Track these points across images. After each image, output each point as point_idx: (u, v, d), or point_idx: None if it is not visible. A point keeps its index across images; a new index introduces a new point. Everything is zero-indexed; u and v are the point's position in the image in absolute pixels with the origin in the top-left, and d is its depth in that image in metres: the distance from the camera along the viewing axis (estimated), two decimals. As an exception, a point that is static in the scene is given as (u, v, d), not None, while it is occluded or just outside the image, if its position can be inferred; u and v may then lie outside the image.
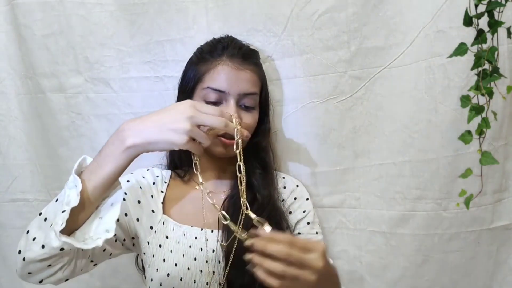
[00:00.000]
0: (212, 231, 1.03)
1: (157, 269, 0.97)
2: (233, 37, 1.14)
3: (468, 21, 0.71)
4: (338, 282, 0.86)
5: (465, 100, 0.76)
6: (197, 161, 0.91)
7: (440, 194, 1.19)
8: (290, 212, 1.11)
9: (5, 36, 1.29)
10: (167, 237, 1.00)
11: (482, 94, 0.73)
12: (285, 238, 0.74)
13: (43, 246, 0.81)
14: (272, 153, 1.18)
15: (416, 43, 1.15)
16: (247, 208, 0.87)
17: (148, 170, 1.12)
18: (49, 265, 0.84)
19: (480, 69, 0.72)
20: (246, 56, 1.09)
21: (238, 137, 0.92)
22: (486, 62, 0.71)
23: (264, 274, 0.73)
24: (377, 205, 1.23)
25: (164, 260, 0.98)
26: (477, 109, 0.74)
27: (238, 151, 0.91)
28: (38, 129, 1.33)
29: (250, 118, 1.07)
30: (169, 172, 1.15)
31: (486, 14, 0.69)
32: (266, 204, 1.04)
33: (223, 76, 1.03)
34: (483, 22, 0.70)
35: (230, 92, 1.03)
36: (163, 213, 1.03)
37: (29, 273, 0.86)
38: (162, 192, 1.08)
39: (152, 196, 1.05)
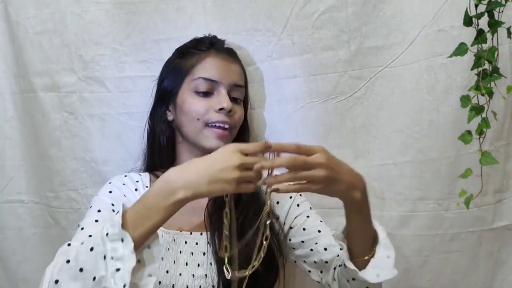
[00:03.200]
0: (201, 233, 1.02)
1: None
2: (216, 36, 1.15)
3: (468, 21, 0.71)
4: (363, 181, 0.89)
5: (465, 100, 0.76)
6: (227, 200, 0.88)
7: (442, 194, 1.18)
8: (278, 202, 1.09)
9: None
10: None
11: (482, 94, 0.72)
12: (291, 145, 0.79)
13: None
14: None
15: (416, 42, 1.14)
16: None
17: (126, 176, 1.10)
18: None
19: (480, 69, 0.72)
20: (231, 51, 1.14)
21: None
22: (486, 62, 0.71)
23: (283, 187, 0.79)
24: (378, 206, 1.21)
25: None
26: (477, 109, 0.74)
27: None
28: (30, 129, 1.32)
29: (240, 110, 1.09)
30: (147, 175, 1.12)
31: (486, 14, 0.69)
32: (251, 201, 1.03)
33: (215, 66, 1.06)
34: (483, 22, 0.69)
35: (222, 82, 1.06)
36: None
37: None
38: None
39: None
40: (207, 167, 0.78)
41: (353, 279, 0.92)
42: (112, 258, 0.75)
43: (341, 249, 0.94)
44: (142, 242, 0.79)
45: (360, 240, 0.90)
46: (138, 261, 0.79)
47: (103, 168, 1.29)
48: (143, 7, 1.21)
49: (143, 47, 1.23)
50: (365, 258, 0.89)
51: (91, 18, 1.22)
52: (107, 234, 0.76)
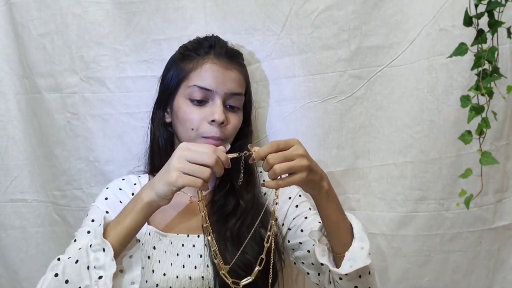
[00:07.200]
0: (198, 236, 1.02)
1: (146, 281, 0.96)
2: (219, 37, 1.12)
3: (468, 21, 0.71)
4: (325, 176, 0.91)
5: (465, 100, 0.75)
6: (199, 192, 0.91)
7: (443, 194, 1.18)
8: (277, 203, 1.09)
9: (3, 36, 1.29)
10: (154, 248, 0.99)
11: (482, 94, 0.72)
12: (269, 146, 0.83)
13: None
14: None
15: (417, 41, 1.14)
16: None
17: (123, 179, 1.12)
18: None
19: (480, 69, 0.71)
20: (233, 56, 1.09)
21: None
22: (486, 62, 0.70)
23: (270, 183, 0.84)
24: (378, 207, 1.22)
25: (153, 271, 0.96)
26: (477, 109, 0.74)
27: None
28: (36, 129, 1.33)
29: (235, 119, 1.07)
30: (146, 177, 1.13)
31: (486, 14, 0.68)
32: (250, 208, 1.04)
33: (210, 74, 1.03)
34: (483, 22, 0.69)
35: (217, 91, 1.03)
36: (148, 224, 1.02)
37: None
38: None
39: None
40: (163, 168, 0.86)
41: (340, 278, 0.94)
42: (94, 267, 0.82)
43: (313, 245, 0.97)
44: (120, 247, 0.87)
45: (339, 235, 0.93)
46: (121, 271, 0.88)
47: (106, 168, 1.30)
48: (143, 7, 1.21)
49: (144, 47, 1.23)
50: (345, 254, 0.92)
51: (91, 19, 1.23)
52: (90, 246, 0.84)
